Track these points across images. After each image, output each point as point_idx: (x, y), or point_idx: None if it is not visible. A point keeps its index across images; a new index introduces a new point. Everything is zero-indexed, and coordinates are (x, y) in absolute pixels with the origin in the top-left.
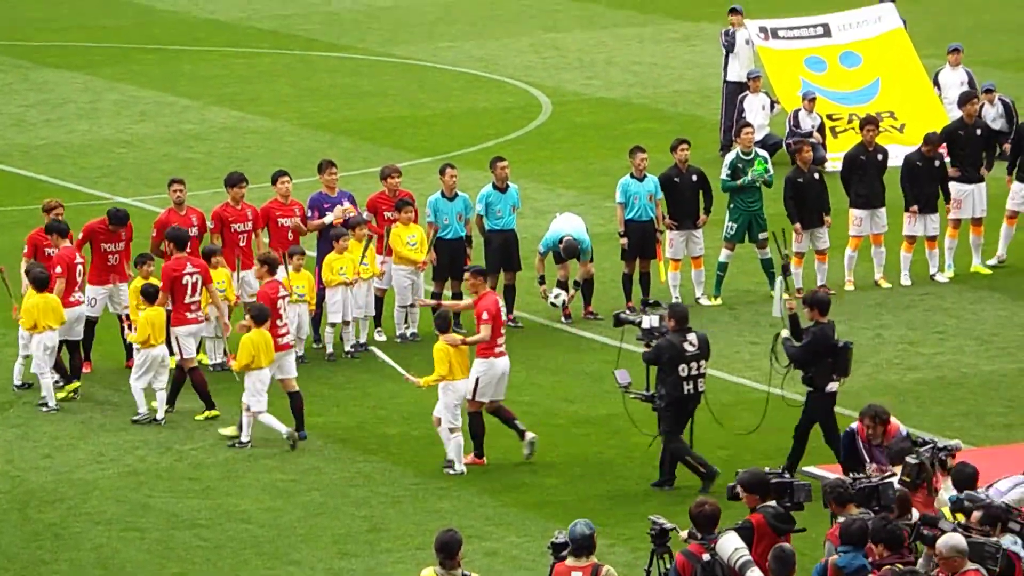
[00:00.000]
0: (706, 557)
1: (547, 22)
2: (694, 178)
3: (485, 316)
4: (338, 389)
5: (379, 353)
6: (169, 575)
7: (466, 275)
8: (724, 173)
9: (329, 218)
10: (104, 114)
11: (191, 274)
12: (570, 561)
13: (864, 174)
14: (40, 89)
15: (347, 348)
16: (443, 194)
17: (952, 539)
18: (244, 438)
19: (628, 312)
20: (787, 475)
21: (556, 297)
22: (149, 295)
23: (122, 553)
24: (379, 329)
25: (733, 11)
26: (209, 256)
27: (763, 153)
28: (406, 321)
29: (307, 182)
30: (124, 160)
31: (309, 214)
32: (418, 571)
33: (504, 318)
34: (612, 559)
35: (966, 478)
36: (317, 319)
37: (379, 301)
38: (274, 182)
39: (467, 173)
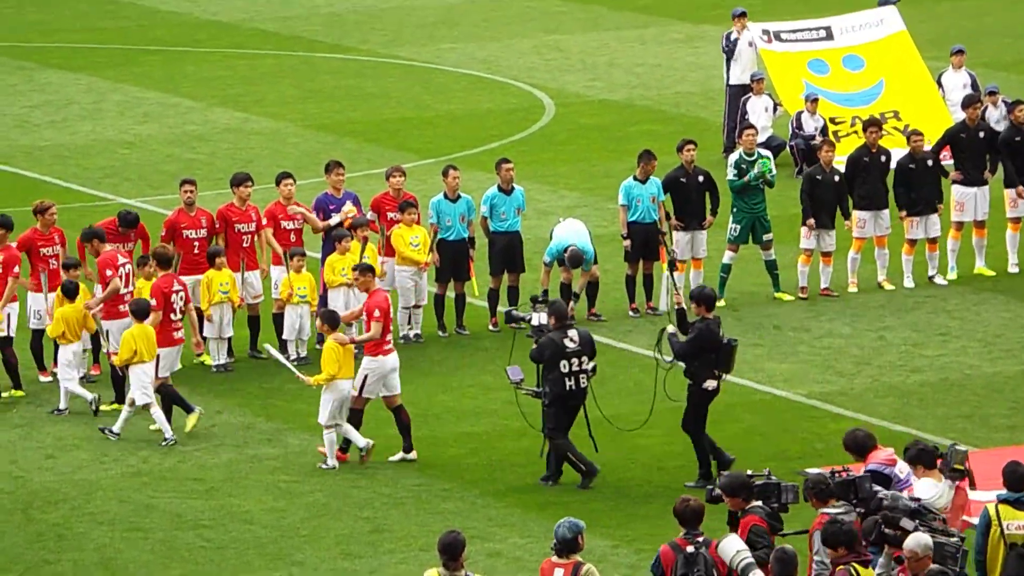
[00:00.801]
0: (690, 549)
1: (550, 24)
2: (700, 179)
3: (377, 314)
4: None
5: (273, 351)
6: None
7: (354, 273)
8: (730, 173)
9: (335, 219)
10: (108, 115)
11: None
12: (554, 559)
13: (867, 176)
14: (44, 90)
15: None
16: (446, 195)
17: (922, 538)
18: (116, 428)
19: (518, 310)
20: (772, 476)
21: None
22: (69, 292)
23: (125, 553)
24: None
25: (739, 15)
26: (214, 257)
27: (767, 154)
28: (409, 322)
29: (311, 183)
30: (128, 161)
31: (316, 215)
32: (421, 572)
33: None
34: (615, 560)
35: (1019, 479)
36: None
37: None
38: (278, 184)
39: (470, 175)
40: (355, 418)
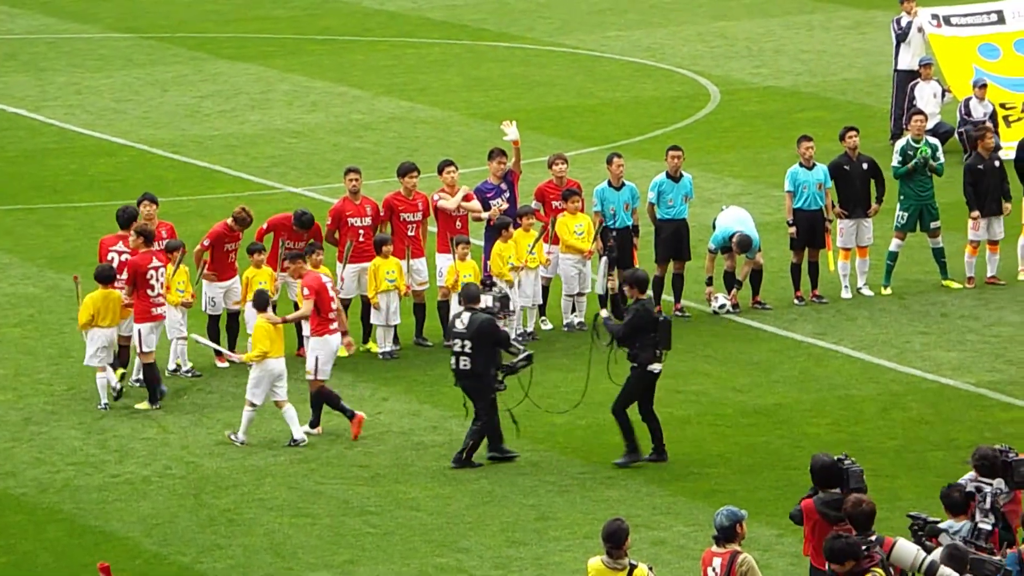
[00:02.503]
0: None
1: (715, 11)
2: (864, 166)
3: (307, 292)
4: (505, 378)
5: (200, 339)
6: (340, 561)
7: (285, 262)
8: (895, 160)
9: (484, 215)
10: (276, 104)
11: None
12: (713, 548)
13: None
14: (214, 80)
15: (513, 336)
16: (610, 183)
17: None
18: (103, 400)
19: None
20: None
21: (720, 307)
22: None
23: (294, 539)
24: (544, 318)
25: None
26: (380, 246)
27: (934, 141)
28: (573, 310)
29: (475, 171)
30: (295, 150)
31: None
32: (585, 560)
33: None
34: (780, 549)
35: None
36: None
37: (545, 290)
38: (440, 172)
39: (634, 163)
40: (318, 401)
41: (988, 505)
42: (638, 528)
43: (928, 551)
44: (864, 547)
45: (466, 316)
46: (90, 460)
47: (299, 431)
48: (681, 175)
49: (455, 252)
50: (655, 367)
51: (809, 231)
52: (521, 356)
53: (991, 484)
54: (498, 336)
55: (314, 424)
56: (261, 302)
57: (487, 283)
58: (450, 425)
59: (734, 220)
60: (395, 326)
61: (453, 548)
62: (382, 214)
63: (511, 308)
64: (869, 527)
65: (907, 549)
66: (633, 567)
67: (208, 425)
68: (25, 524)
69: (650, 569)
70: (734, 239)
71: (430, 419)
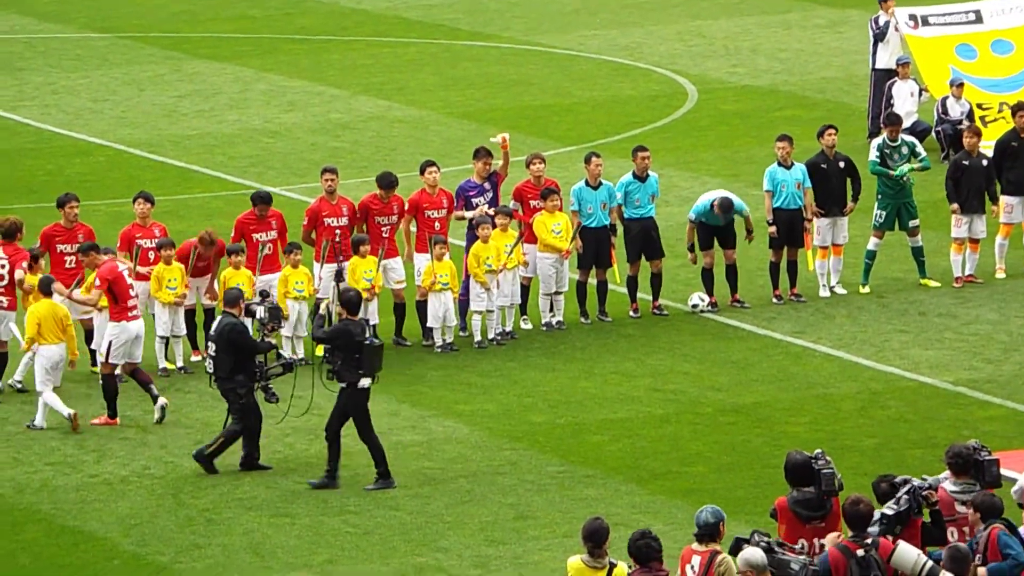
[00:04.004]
0: (860, 553)
1: (692, 10)
2: (841, 164)
3: (98, 282)
4: (484, 377)
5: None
6: (319, 561)
7: (79, 255)
8: (873, 155)
9: (469, 214)
10: (253, 104)
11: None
12: (694, 545)
13: (1016, 160)
14: (191, 80)
15: (491, 336)
16: (587, 183)
17: (753, 553)
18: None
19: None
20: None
21: (695, 306)
22: (44, 287)
23: (273, 538)
24: (524, 317)
25: None
26: (358, 245)
27: (910, 139)
28: (551, 309)
29: (453, 171)
30: (273, 150)
31: (456, 203)
32: (565, 559)
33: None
34: None
35: None
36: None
37: (524, 289)
38: (422, 172)
39: (612, 161)
40: (110, 386)
41: (905, 492)
42: (617, 527)
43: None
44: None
45: (219, 319)
46: (68, 460)
47: (66, 409)
48: (648, 175)
49: (432, 252)
50: (364, 382)
51: (788, 230)
52: (275, 364)
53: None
54: (241, 343)
55: (112, 415)
56: (46, 287)
57: (263, 294)
58: (429, 424)
59: (715, 193)
60: (373, 326)
61: (432, 547)
62: (358, 215)
63: (281, 321)
64: (865, 528)
65: (908, 553)
66: (613, 566)
67: (186, 425)
68: (3, 525)
69: (629, 568)
70: (715, 202)
71: (408, 418)
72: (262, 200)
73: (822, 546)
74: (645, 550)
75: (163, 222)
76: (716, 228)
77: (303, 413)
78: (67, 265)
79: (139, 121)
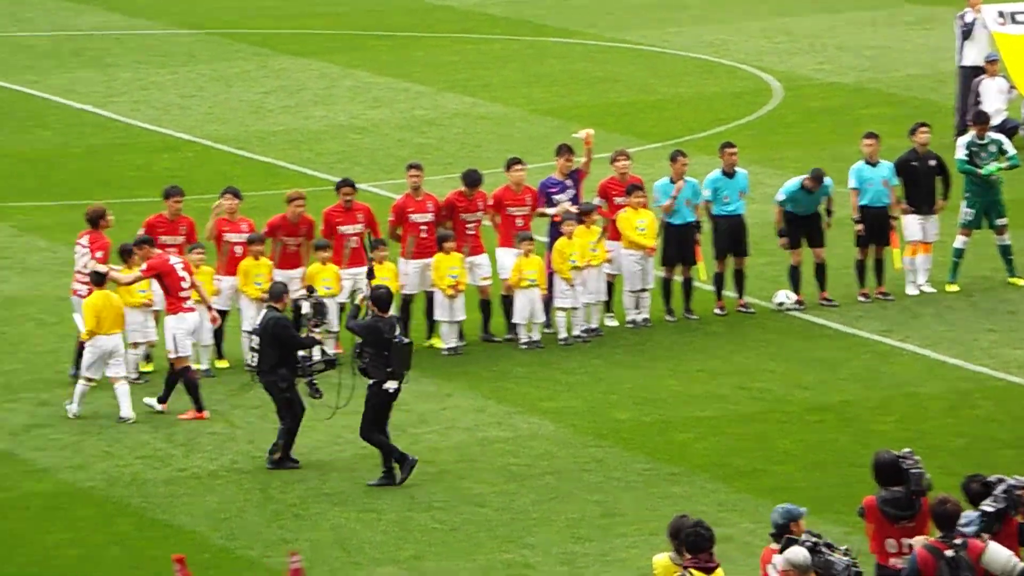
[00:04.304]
0: (949, 553)
1: (779, 7)
2: (931, 162)
3: (145, 268)
4: (570, 374)
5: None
6: (406, 556)
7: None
8: (961, 154)
9: (552, 211)
10: (340, 100)
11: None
12: (772, 544)
13: None
14: (278, 76)
15: (576, 332)
16: (671, 180)
17: (795, 553)
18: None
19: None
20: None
21: (780, 305)
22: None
23: (360, 534)
24: (610, 314)
25: None
26: (443, 241)
27: (998, 136)
28: (636, 306)
29: (537, 168)
30: (359, 146)
31: (538, 199)
32: (651, 556)
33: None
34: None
35: None
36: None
37: (609, 286)
38: (508, 169)
39: (697, 159)
40: (188, 380)
41: (1002, 491)
42: None
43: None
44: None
45: (263, 313)
46: (158, 454)
47: (128, 411)
48: (736, 171)
49: (520, 248)
50: (390, 384)
51: (875, 228)
52: (318, 359)
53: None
54: (285, 337)
55: (199, 408)
56: (99, 279)
57: (310, 289)
58: (515, 421)
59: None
60: (460, 322)
61: (519, 544)
62: (443, 212)
63: (326, 317)
64: (952, 528)
65: (999, 554)
66: None
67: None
68: (94, 517)
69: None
70: (809, 175)
71: (495, 415)
72: (346, 184)
73: (911, 546)
74: (695, 539)
75: (250, 217)
76: (804, 224)
77: (343, 406)
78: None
79: (226, 117)
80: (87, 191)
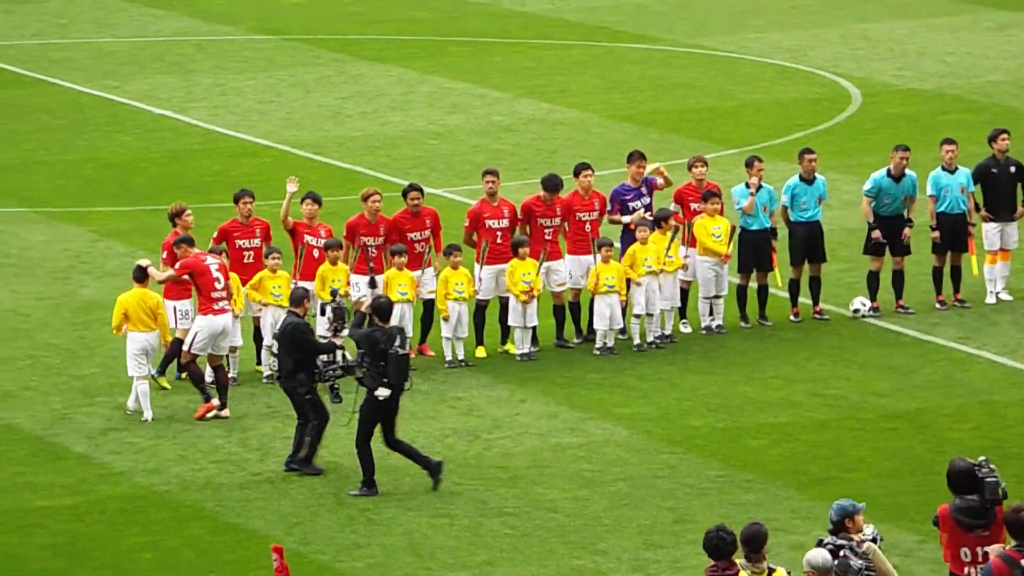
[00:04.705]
0: None
1: (857, 12)
2: (1012, 169)
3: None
4: (643, 380)
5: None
6: (478, 562)
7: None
8: None
9: (626, 219)
10: (417, 106)
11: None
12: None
13: None
14: (356, 82)
15: (651, 339)
16: (747, 186)
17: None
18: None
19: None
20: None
21: (855, 312)
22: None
23: (432, 539)
24: (684, 321)
25: None
26: (517, 247)
27: None
28: (711, 313)
29: (613, 174)
30: (436, 151)
31: (610, 207)
32: None
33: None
34: (921, 555)
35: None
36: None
37: (683, 293)
38: (576, 175)
39: (774, 165)
40: (193, 372)
41: None
42: (776, 532)
43: None
44: None
45: (283, 319)
46: (232, 458)
47: (148, 411)
48: (815, 177)
49: (599, 253)
50: (382, 392)
51: (952, 235)
52: (336, 365)
53: None
54: (304, 342)
55: (207, 399)
56: (140, 274)
57: (334, 293)
58: (588, 427)
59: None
60: (533, 328)
61: (590, 550)
62: (519, 217)
63: (346, 321)
64: None
65: None
66: (772, 571)
67: (350, 424)
68: (169, 521)
69: (789, 574)
70: (895, 153)
71: (568, 421)
72: (413, 188)
73: (986, 555)
74: (717, 543)
75: (328, 223)
76: (887, 227)
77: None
78: (246, 260)
79: (304, 122)
80: (166, 196)
